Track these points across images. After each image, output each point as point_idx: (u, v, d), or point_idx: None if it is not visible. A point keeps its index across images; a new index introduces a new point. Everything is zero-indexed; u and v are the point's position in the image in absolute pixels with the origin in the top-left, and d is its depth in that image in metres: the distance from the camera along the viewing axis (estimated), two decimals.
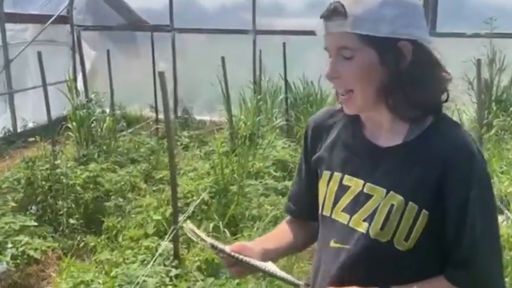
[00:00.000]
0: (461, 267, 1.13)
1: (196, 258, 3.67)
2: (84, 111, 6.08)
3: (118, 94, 7.19)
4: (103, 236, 4.23)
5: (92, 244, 4.12)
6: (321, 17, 1.15)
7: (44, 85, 5.48)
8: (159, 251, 3.61)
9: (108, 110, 6.75)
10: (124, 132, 6.70)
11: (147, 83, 7.98)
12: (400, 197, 1.13)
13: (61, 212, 4.38)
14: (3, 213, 4.12)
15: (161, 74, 3.54)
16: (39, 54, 5.48)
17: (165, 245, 3.68)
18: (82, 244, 4.15)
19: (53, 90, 6.22)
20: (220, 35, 8.44)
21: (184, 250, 3.85)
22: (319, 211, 1.29)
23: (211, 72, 6.95)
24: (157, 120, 7.79)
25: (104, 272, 3.50)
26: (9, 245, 3.73)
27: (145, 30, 8.43)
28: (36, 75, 7.55)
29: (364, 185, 1.19)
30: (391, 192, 1.15)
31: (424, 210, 1.12)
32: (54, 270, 3.86)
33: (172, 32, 8.33)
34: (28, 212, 4.33)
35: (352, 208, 1.19)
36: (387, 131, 1.21)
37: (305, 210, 1.41)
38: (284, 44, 7.40)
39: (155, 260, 3.45)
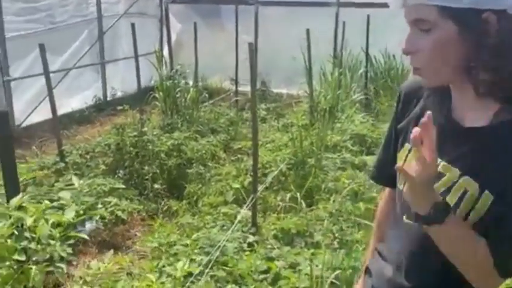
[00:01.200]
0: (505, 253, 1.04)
1: (273, 227, 3.68)
2: (170, 82, 6.21)
3: (200, 66, 7.29)
4: (184, 201, 4.34)
5: (174, 208, 4.24)
6: None
7: (136, 56, 5.64)
8: (238, 218, 3.65)
9: (191, 82, 6.87)
10: (205, 103, 6.79)
11: (228, 55, 8.02)
12: (476, 184, 1.04)
13: (146, 177, 4.54)
14: (95, 175, 4.31)
15: (250, 46, 3.52)
16: (133, 25, 5.63)
17: (244, 212, 3.72)
18: (165, 208, 4.28)
19: (141, 61, 6.40)
20: (302, 8, 8.29)
21: (261, 219, 3.87)
22: (397, 182, 1.24)
23: (291, 46, 6.85)
24: (236, 92, 7.84)
25: (185, 235, 3.60)
26: (99, 206, 3.92)
27: (229, 3, 8.44)
28: (126, 46, 7.84)
29: (439, 164, 1.09)
30: (466, 176, 1.06)
31: (492, 196, 1.03)
32: (138, 230, 4.02)
33: (256, 5, 8.28)
34: (116, 176, 4.51)
35: None
36: (474, 109, 1.09)
37: (388, 177, 1.33)
38: (368, 16, 7.14)
39: (235, 226, 3.50)
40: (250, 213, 3.73)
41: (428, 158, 0.97)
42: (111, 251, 2.22)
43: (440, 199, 1.04)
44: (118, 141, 4.74)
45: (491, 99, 1.06)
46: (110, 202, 3.95)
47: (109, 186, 4.11)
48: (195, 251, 3.29)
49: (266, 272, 3.07)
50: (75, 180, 2.59)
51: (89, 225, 3.83)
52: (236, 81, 7.84)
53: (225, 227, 3.66)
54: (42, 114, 6.30)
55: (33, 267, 1.97)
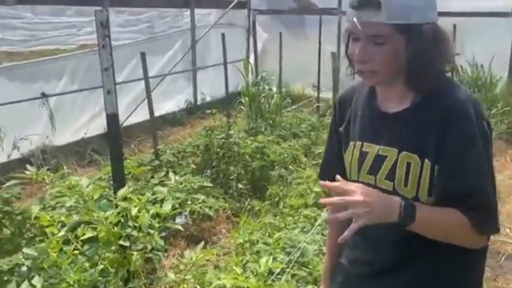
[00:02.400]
0: (477, 208, 1.17)
1: None
2: (256, 88, 6.34)
3: (284, 73, 7.38)
4: (266, 202, 4.41)
5: (257, 208, 4.33)
6: (353, 7, 1.18)
7: (225, 63, 5.82)
8: (319, 221, 3.67)
9: (274, 88, 6.97)
10: (288, 109, 6.86)
11: (311, 63, 8.04)
12: (415, 156, 1.20)
13: (231, 177, 4.66)
14: (185, 173, 4.51)
15: (334, 55, 3.55)
16: (223, 35, 5.82)
17: (324, 215, 3.73)
18: (249, 207, 4.38)
19: (229, 68, 6.59)
20: None
21: None
22: (347, 178, 1.35)
23: None
24: (318, 99, 7.84)
25: (267, 234, 3.67)
26: (189, 202, 4.09)
27: (314, 13, 8.47)
28: (215, 54, 8.09)
29: (379, 149, 1.27)
30: (404, 152, 1.22)
31: (436, 166, 1.18)
32: (224, 227, 4.15)
33: (339, 15, 8.25)
34: (204, 175, 4.69)
35: (374, 170, 1.28)
36: (397, 99, 1.28)
37: (334, 177, 1.40)
38: (454, 25, 6.86)
39: (315, 229, 3.52)
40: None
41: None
42: (202, 243, 2.33)
43: (397, 201, 1.15)
44: (207, 143, 4.92)
45: (410, 90, 1.24)
46: (198, 199, 4.11)
47: (198, 184, 4.28)
48: (276, 250, 3.35)
49: None
50: (172, 176, 2.74)
51: (179, 220, 4.01)
52: (318, 88, 7.84)
53: (305, 229, 3.69)
54: (140, 115, 6.68)
55: (134, 253, 2.11)
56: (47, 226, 2.22)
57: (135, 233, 2.13)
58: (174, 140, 6.04)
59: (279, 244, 3.35)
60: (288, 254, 3.19)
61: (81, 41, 6.76)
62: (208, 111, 6.15)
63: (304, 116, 6.88)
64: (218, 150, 4.89)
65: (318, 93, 7.84)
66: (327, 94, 7.99)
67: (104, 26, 2.48)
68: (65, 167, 5.42)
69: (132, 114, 6.77)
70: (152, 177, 4.33)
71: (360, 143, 1.33)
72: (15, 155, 5.46)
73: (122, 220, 2.03)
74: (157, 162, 4.64)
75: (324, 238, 3.53)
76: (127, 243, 2.08)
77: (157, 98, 6.27)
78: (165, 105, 7.37)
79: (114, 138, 2.26)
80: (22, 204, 4.01)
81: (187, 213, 4.08)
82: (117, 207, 2.15)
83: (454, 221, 1.18)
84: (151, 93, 6.53)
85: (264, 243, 3.50)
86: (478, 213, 1.18)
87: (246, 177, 4.74)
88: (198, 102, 8.15)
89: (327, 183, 1.19)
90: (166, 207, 2.17)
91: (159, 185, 3.68)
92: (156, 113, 6.49)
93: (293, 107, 7.10)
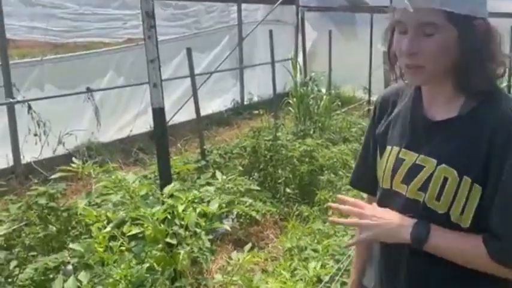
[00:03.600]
0: (498, 234, 1.11)
1: None
2: (304, 88, 6.31)
3: (333, 74, 7.30)
4: (315, 208, 4.38)
5: (306, 214, 4.31)
6: None
7: (273, 62, 5.82)
8: None
9: (323, 89, 6.92)
10: (338, 111, 6.79)
11: (362, 64, 7.94)
12: (454, 171, 1.15)
13: (279, 181, 4.66)
14: (232, 175, 4.52)
15: (385, 55, 3.47)
16: (271, 32, 5.82)
17: None
18: (297, 212, 4.35)
19: (277, 67, 6.58)
20: None
21: None
22: (379, 185, 1.33)
23: None
24: (369, 102, 7.73)
25: (316, 241, 3.63)
26: (236, 204, 4.07)
27: (364, 11, 8.36)
28: (263, 52, 8.12)
29: (417, 157, 1.22)
30: (443, 164, 1.16)
31: (476, 185, 1.13)
32: (271, 232, 4.13)
33: (392, 13, 8.08)
34: (251, 177, 4.69)
35: (408, 179, 1.23)
36: (443, 105, 1.22)
37: (367, 183, 1.44)
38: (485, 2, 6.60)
39: None
40: None
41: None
42: (249, 245, 2.33)
43: (412, 220, 1.17)
44: (254, 144, 4.92)
45: (460, 95, 1.19)
46: (245, 202, 4.11)
47: (245, 187, 4.28)
48: (325, 257, 3.31)
49: None
50: (219, 175, 2.75)
51: (226, 223, 4.02)
52: (369, 91, 7.72)
53: (355, 236, 3.62)
54: (186, 114, 6.77)
55: (182, 251, 2.12)
56: (93, 223, 2.27)
57: (181, 231, 2.14)
58: (221, 141, 6.09)
59: (327, 251, 3.32)
60: (337, 261, 3.15)
61: (127, 35, 6.85)
62: (255, 111, 6.18)
63: (354, 119, 6.81)
64: (266, 152, 4.90)
65: (369, 95, 7.73)
66: None
67: (149, 16, 2.51)
68: (111, 164, 5.57)
69: (178, 113, 6.87)
70: (198, 177, 4.37)
71: (398, 148, 1.29)
72: (61, 150, 5.63)
73: (169, 217, 2.04)
74: (203, 162, 4.68)
75: None
76: (174, 241, 2.09)
77: (203, 97, 6.35)
78: (211, 105, 7.44)
79: (161, 133, 2.28)
80: (68, 200, 4.12)
81: (234, 216, 4.09)
82: (163, 205, 2.17)
83: (471, 248, 1.15)
84: (197, 91, 6.63)
85: (312, 249, 3.48)
86: (498, 240, 1.12)
87: (294, 181, 4.72)
88: (245, 102, 8.19)
89: (342, 197, 1.25)
90: (213, 206, 2.17)
91: (205, 185, 3.71)
92: (202, 113, 6.57)
93: (343, 110, 7.03)
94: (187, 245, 2.16)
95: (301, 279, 2.86)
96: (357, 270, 1.57)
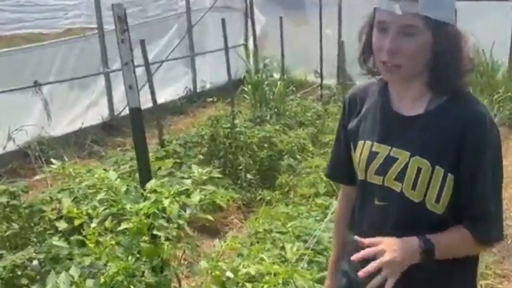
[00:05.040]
0: (478, 219, 1.31)
1: None
2: (259, 75, 6.47)
3: (284, 59, 7.50)
4: (277, 192, 4.60)
5: (268, 198, 4.51)
6: None
7: (226, 48, 5.93)
8: (332, 209, 3.85)
9: (275, 74, 7.11)
10: (292, 97, 7.01)
11: (312, 49, 8.17)
12: (426, 161, 1.29)
13: (240, 167, 4.83)
14: (193, 163, 4.65)
15: (341, 43, 3.70)
16: (223, 20, 5.93)
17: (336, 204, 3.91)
18: (259, 197, 4.55)
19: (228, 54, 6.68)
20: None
21: None
22: (357, 177, 1.47)
23: None
24: (321, 86, 8.00)
25: (281, 224, 3.83)
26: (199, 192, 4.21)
27: None
28: (213, 39, 8.20)
29: (390, 150, 1.36)
30: (416, 156, 1.31)
31: (449, 174, 1.29)
32: (235, 217, 4.32)
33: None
34: (211, 165, 4.83)
35: (382, 170, 1.37)
36: (411, 101, 1.36)
37: (345, 174, 1.57)
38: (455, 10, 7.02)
39: (328, 217, 3.70)
40: None
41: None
42: (230, 233, 2.50)
43: (416, 242, 1.28)
44: (212, 133, 5.07)
45: (427, 92, 1.34)
46: (207, 190, 4.26)
47: (206, 175, 4.41)
48: (292, 238, 3.52)
49: None
50: (195, 168, 2.91)
51: (189, 211, 4.16)
52: (321, 74, 7.99)
53: (318, 218, 3.86)
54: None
55: (166, 242, 2.29)
56: (72, 219, 2.38)
57: (165, 223, 2.30)
58: (177, 130, 6.19)
59: (294, 233, 3.53)
60: (305, 242, 3.37)
61: (67, 25, 6.75)
62: (209, 99, 6.31)
63: (308, 104, 7.04)
64: (224, 140, 5.05)
65: (321, 79, 7.99)
66: (330, 81, 8.17)
67: (122, 20, 2.61)
68: (66, 159, 5.56)
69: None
70: (159, 168, 4.46)
71: (370, 142, 1.41)
72: (11, 146, 5.56)
73: (156, 211, 2.21)
74: (163, 153, 4.77)
75: None
76: (161, 234, 2.25)
77: (155, 86, 6.35)
78: (163, 94, 7.48)
79: (139, 132, 2.43)
80: (27, 198, 4.13)
81: (195, 204, 4.22)
82: (145, 200, 2.31)
83: (461, 240, 1.33)
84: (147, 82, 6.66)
85: (278, 232, 3.67)
86: (479, 224, 1.32)
87: (255, 167, 4.91)
88: (198, 90, 8.26)
89: (359, 239, 1.31)
90: (195, 199, 2.35)
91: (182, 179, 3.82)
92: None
93: (298, 95, 7.25)
94: (173, 236, 2.31)
95: (279, 259, 3.04)
96: (338, 250, 1.70)
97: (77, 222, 2.51)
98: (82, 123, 6.34)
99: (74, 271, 2.11)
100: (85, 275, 2.08)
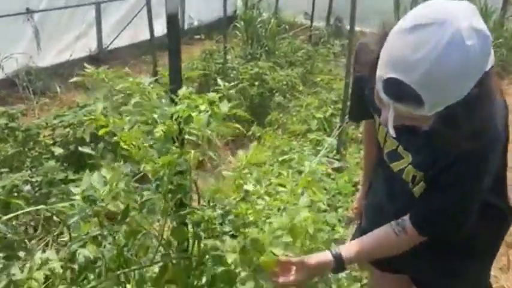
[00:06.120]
0: (420, 210, 1.42)
1: (356, 156, 4.01)
2: (253, 11, 6.44)
3: None
4: (268, 128, 4.70)
5: (259, 134, 4.61)
6: (392, 99, 1.13)
7: None
8: (325, 145, 3.98)
9: (264, 14, 7.07)
10: (284, 35, 7.01)
11: None
12: (421, 173, 1.40)
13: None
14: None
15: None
16: None
17: (330, 140, 4.04)
18: (250, 133, 4.65)
19: None
20: None
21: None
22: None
23: None
24: (311, 27, 8.00)
25: (275, 159, 3.95)
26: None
27: None
28: None
29: (397, 147, 1.45)
30: (417, 167, 1.39)
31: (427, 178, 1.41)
32: (222, 153, 4.41)
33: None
34: None
35: (391, 158, 1.49)
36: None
37: (362, 115, 1.72)
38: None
39: (323, 151, 3.83)
40: (334, 141, 4.05)
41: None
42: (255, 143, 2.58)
43: (330, 260, 1.44)
44: (204, 67, 5.09)
45: None
46: None
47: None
48: (284, 171, 3.65)
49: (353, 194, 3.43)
50: (221, 82, 2.97)
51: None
52: (312, 16, 7.97)
53: (310, 153, 4.00)
54: (124, 39, 6.75)
55: (192, 151, 2.34)
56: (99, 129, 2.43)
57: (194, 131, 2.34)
58: (165, 65, 6.15)
59: (288, 166, 3.66)
60: (300, 173, 3.50)
61: None
62: (196, 36, 6.26)
63: (298, 44, 7.06)
64: (215, 75, 5.07)
65: (311, 21, 7.98)
66: (319, 23, 8.17)
67: None
68: (58, 89, 5.56)
69: (116, 39, 6.81)
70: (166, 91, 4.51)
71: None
72: None
73: (191, 115, 2.24)
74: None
75: (331, 160, 3.87)
76: (192, 138, 2.28)
77: (141, 22, 6.30)
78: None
79: (174, 39, 2.47)
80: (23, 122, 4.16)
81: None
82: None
83: (383, 237, 1.45)
84: (136, 16, 6.58)
85: (271, 164, 3.80)
86: (420, 213, 1.41)
87: (245, 103, 4.96)
88: (186, 27, 8.16)
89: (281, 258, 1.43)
90: (224, 108, 2.41)
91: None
92: (142, 37, 6.57)
93: (290, 34, 7.27)
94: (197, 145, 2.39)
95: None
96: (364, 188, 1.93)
97: (102, 132, 2.55)
98: (70, 55, 6.27)
99: (105, 172, 2.16)
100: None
